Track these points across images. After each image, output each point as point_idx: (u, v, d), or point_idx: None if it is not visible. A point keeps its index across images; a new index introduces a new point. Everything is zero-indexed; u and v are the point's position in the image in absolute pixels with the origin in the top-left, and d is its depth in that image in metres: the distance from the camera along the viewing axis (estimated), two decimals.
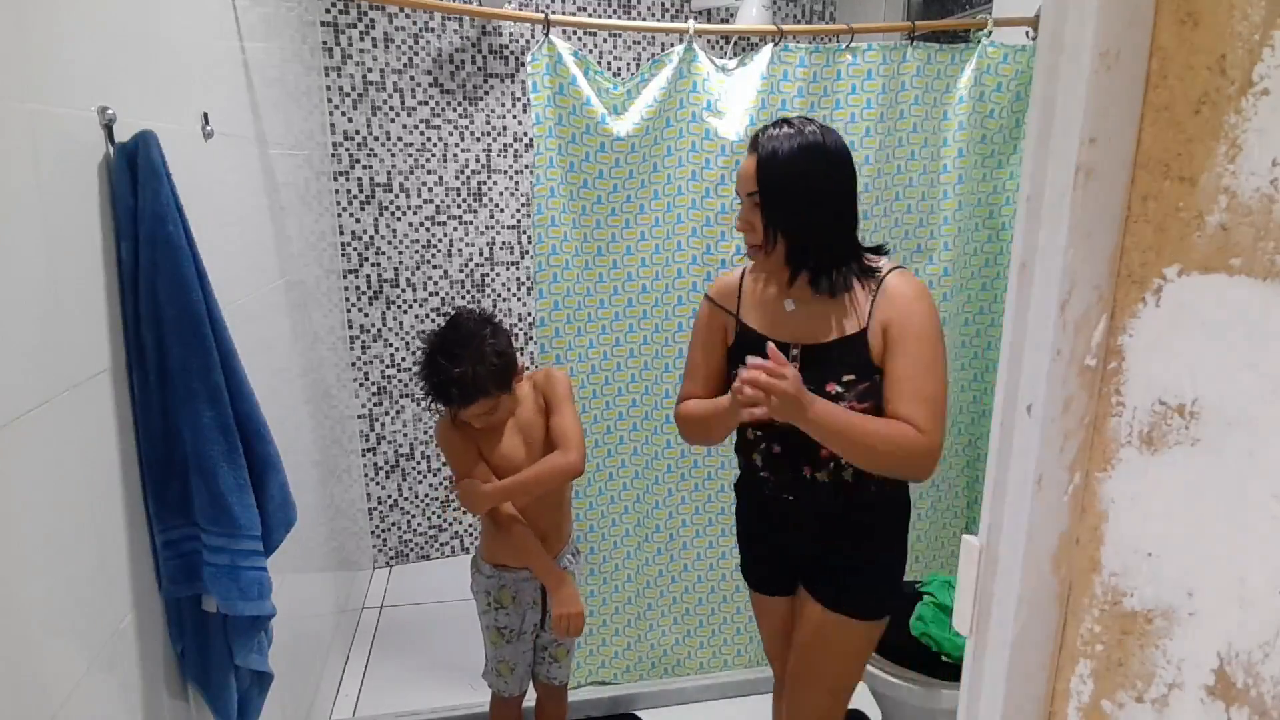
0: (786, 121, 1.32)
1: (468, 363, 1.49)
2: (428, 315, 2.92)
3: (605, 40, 2.88)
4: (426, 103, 2.76)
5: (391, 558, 3.07)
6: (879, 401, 1.31)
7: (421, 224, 2.85)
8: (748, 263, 1.45)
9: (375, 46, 2.69)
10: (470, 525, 3.12)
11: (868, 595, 1.43)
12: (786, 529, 1.46)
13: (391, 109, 2.74)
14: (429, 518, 3.08)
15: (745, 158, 1.33)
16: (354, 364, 2.89)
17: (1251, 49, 0.51)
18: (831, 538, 1.42)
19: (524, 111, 2.84)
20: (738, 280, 1.47)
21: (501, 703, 1.78)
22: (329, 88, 2.68)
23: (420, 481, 3.03)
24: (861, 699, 2.25)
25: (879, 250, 1.39)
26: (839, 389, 1.30)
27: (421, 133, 2.78)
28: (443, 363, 1.51)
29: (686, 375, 1.51)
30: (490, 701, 1.80)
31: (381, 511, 3.02)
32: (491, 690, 1.77)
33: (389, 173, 2.78)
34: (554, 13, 2.73)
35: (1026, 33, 2.08)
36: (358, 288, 2.84)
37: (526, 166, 2.88)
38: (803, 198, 1.29)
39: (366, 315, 2.86)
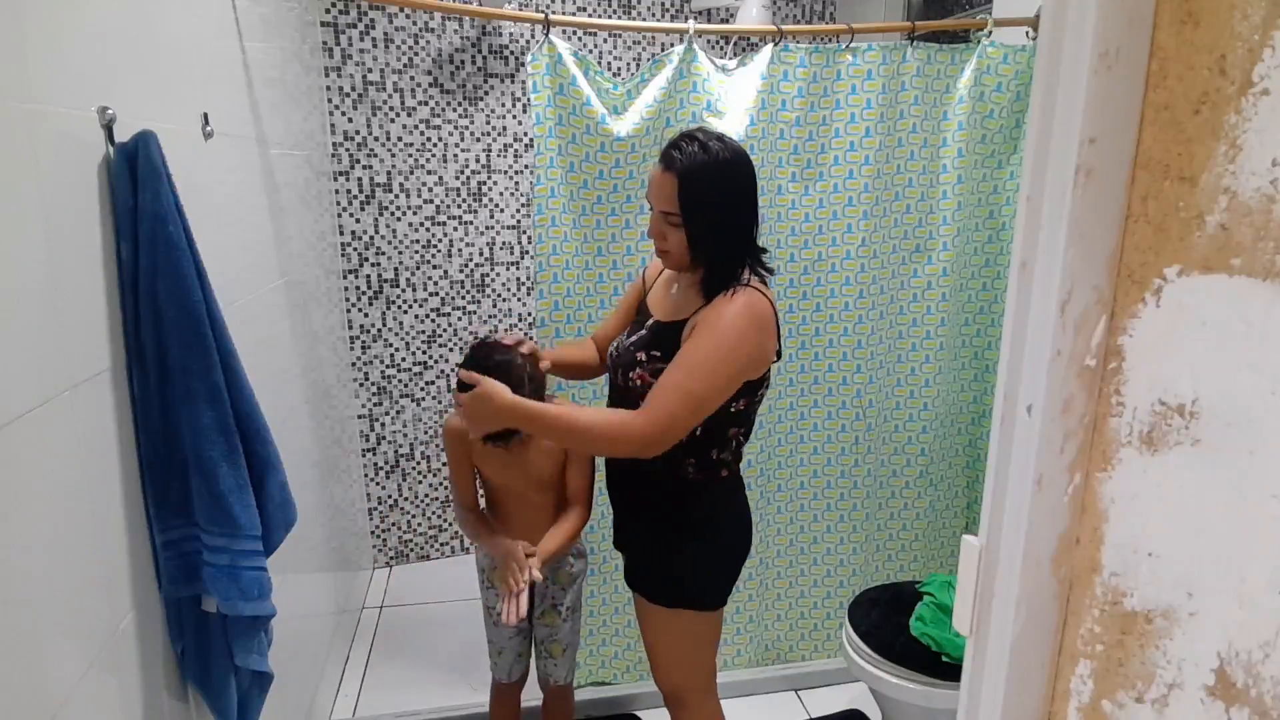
0: (694, 139, 1.35)
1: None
2: (428, 315, 2.92)
3: (605, 40, 2.88)
4: (426, 103, 2.76)
5: (391, 558, 3.07)
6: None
7: (421, 224, 2.85)
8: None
9: (375, 46, 2.69)
10: None
11: (648, 578, 1.53)
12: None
13: (391, 109, 2.74)
14: (429, 518, 3.08)
15: (658, 171, 1.37)
16: (354, 364, 2.89)
17: (1251, 49, 0.51)
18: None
19: (524, 111, 2.84)
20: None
21: (497, 688, 1.81)
22: (329, 88, 2.68)
23: (420, 481, 3.04)
24: (862, 699, 2.25)
25: (764, 251, 1.45)
26: (644, 358, 1.42)
27: (421, 133, 2.78)
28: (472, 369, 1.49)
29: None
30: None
31: (381, 511, 3.02)
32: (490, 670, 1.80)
33: (389, 173, 2.78)
34: (554, 13, 2.73)
35: (1026, 33, 2.08)
36: (358, 288, 2.84)
37: (526, 166, 2.88)
38: (716, 218, 1.36)
39: (366, 315, 2.86)
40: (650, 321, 1.49)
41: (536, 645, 1.78)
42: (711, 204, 1.35)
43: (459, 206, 2.86)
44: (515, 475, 1.62)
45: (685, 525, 1.48)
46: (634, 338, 1.49)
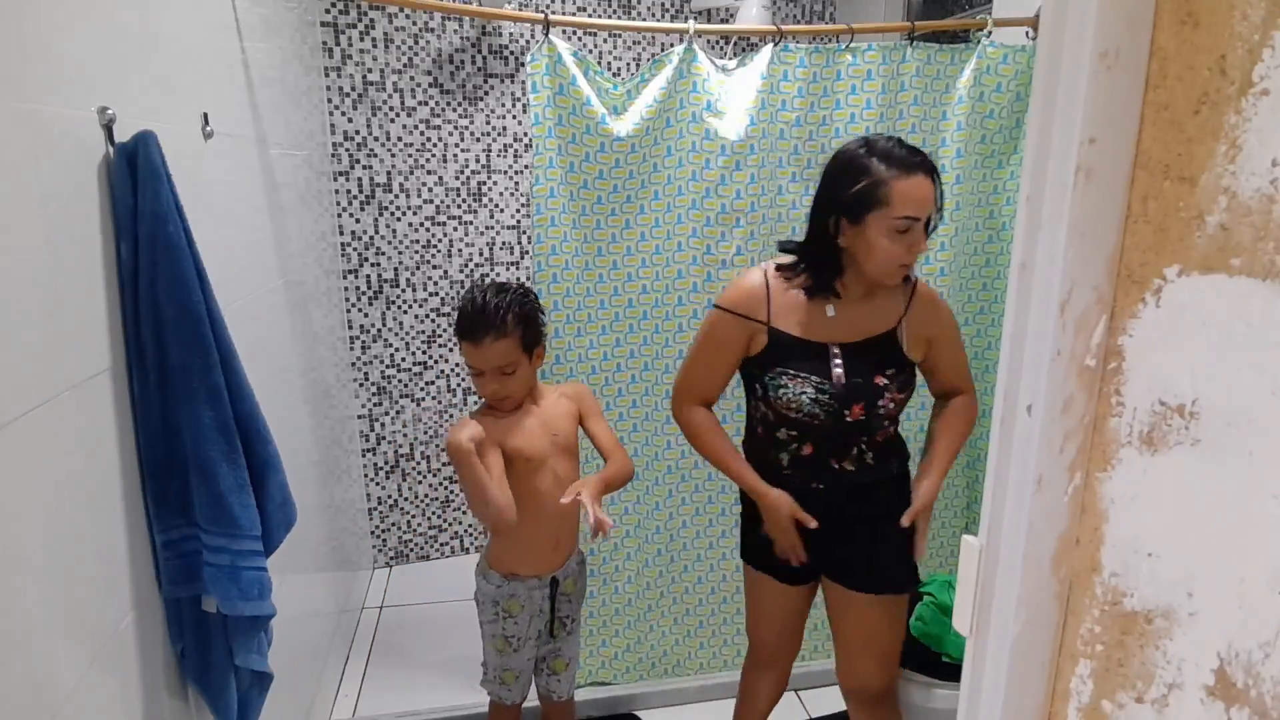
0: (902, 143, 1.38)
1: (500, 298, 1.51)
2: (428, 315, 2.92)
3: (605, 40, 2.88)
4: (426, 103, 2.76)
5: (391, 558, 3.07)
6: (911, 388, 1.49)
7: (421, 224, 2.85)
8: (759, 267, 1.54)
9: (375, 46, 2.69)
10: (471, 525, 3.12)
11: (886, 570, 1.53)
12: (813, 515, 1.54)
13: (391, 109, 2.74)
14: (429, 518, 3.08)
15: (921, 179, 1.34)
16: (354, 364, 2.89)
17: (1251, 49, 0.51)
18: (856, 520, 1.51)
19: (524, 111, 2.84)
20: (762, 289, 1.49)
21: (503, 709, 1.75)
22: (329, 88, 2.68)
23: (420, 481, 3.04)
24: None
25: None
26: (885, 381, 1.44)
27: (421, 133, 2.78)
28: (476, 295, 1.52)
29: (688, 374, 1.60)
30: (489, 708, 1.77)
31: (381, 511, 3.02)
32: (491, 698, 1.75)
33: (389, 173, 2.78)
34: (554, 13, 2.73)
35: (1026, 33, 2.08)
36: (358, 288, 2.84)
37: (526, 166, 2.88)
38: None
39: (366, 315, 2.86)
40: (834, 349, 1.45)
41: (538, 661, 1.75)
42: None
43: (459, 206, 2.86)
44: (540, 440, 1.59)
45: (887, 514, 1.49)
46: (836, 369, 1.45)
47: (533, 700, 1.87)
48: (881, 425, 1.46)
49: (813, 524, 1.47)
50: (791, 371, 1.45)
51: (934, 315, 1.50)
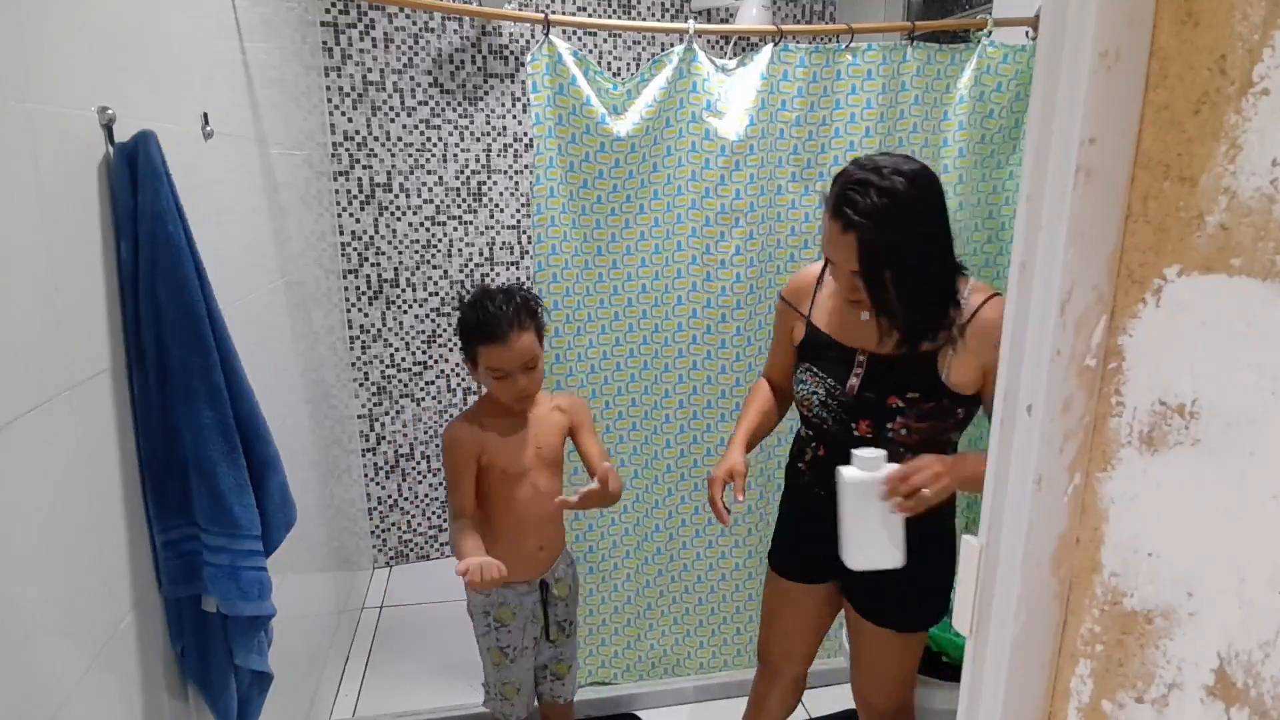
0: (861, 184, 1.24)
1: (509, 296, 1.54)
2: (428, 315, 2.92)
3: (605, 40, 2.88)
4: (426, 103, 2.76)
5: (391, 558, 3.07)
6: (942, 422, 1.34)
7: (421, 224, 2.85)
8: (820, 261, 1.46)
9: (375, 46, 2.69)
10: None
11: (901, 609, 1.45)
12: (817, 522, 1.44)
13: (391, 109, 2.74)
14: (429, 518, 3.08)
15: (833, 224, 1.26)
16: (354, 364, 2.89)
17: (1251, 49, 0.51)
18: None
19: (524, 111, 2.84)
20: (814, 281, 1.48)
21: None
22: (329, 88, 2.68)
23: (420, 481, 3.04)
24: None
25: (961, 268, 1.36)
26: (900, 404, 1.33)
27: (421, 133, 2.78)
28: (488, 302, 1.53)
29: (768, 356, 1.67)
30: None
31: (381, 511, 3.02)
32: (496, 716, 1.72)
33: (389, 173, 2.78)
34: (554, 13, 2.73)
35: (1026, 33, 2.07)
36: (358, 288, 2.84)
37: (526, 166, 2.88)
38: (903, 266, 1.24)
39: (366, 315, 2.86)
40: (860, 356, 1.37)
41: (538, 669, 1.75)
42: (892, 252, 1.24)
43: (459, 206, 2.86)
44: (527, 454, 1.59)
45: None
46: (854, 378, 1.37)
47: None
48: (896, 451, 1.31)
49: (741, 497, 1.45)
50: (815, 370, 1.42)
51: (986, 337, 1.29)
